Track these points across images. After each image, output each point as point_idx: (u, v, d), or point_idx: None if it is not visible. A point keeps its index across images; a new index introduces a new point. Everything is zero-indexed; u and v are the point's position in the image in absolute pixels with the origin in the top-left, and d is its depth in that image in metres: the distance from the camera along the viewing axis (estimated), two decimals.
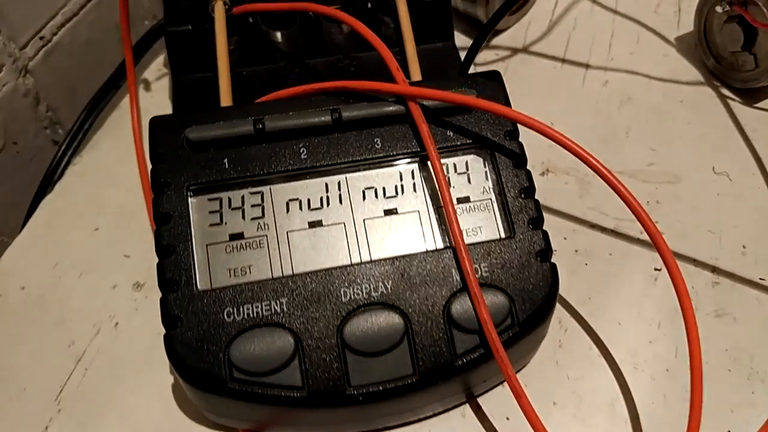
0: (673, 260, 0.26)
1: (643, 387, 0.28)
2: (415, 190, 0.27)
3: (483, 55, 0.42)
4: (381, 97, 0.27)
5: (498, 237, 0.26)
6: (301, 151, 0.27)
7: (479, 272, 0.25)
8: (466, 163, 0.27)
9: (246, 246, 0.26)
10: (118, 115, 0.38)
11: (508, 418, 0.28)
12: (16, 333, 0.31)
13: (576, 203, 0.35)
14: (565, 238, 0.33)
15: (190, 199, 0.26)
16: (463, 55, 0.36)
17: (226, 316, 0.24)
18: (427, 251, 0.26)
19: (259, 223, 0.26)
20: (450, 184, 0.27)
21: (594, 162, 0.26)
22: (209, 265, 0.25)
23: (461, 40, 0.41)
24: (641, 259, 0.32)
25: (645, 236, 0.33)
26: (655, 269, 0.32)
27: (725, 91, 0.40)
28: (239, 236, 0.26)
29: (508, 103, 0.28)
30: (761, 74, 0.37)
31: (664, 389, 0.28)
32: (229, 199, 0.26)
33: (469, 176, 0.27)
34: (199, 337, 0.24)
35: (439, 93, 0.26)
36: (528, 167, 0.28)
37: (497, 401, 0.28)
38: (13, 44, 0.35)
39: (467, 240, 0.26)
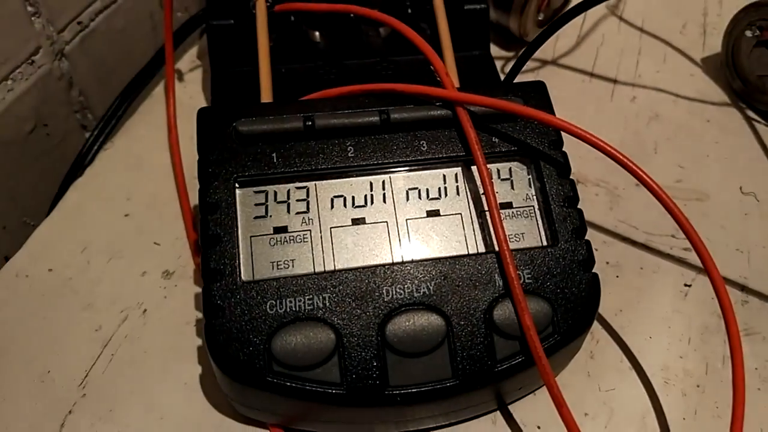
0: (718, 273, 0.26)
1: (674, 402, 0.28)
2: (458, 193, 0.27)
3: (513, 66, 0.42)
4: (428, 101, 0.28)
5: (541, 244, 0.26)
6: (348, 149, 0.27)
7: (522, 278, 0.25)
8: (510, 169, 0.28)
9: (290, 240, 0.26)
10: (150, 103, 0.38)
11: (539, 427, 0.28)
12: (42, 315, 0.30)
13: (606, 215, 0.35)
14: (596, 249, 0.33)
15: (237, 191, 0.26)
16: (498, 64, 0.36)
17: (268, 308, 0.24)
18: (469, 254, 0.26)
19: (303, 218, 0.26)
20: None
21: (641, 173, 0.26)
22: (252, 256, 0.25)
23: (492, 50, 0.41)
24: (672, 275, 0.32)
25: (676, 252, 0.33)
26: (686, 285, 0.32)
27: (750, 113, 0.40)
28: (283, 230, 0.26)
29: (552, 113, 0.28)
30: None
31: (695, 405, 0.28)
32: (275, 193, 0.26)
33: (513, 182, 0.27)
34: (240, 328, 0.24)
35: (488, 99, 0.26)
36: None
37: (528, 410, 0.28)
38: (51, 27, 0.35)
39: (510, 245, 0.26)
